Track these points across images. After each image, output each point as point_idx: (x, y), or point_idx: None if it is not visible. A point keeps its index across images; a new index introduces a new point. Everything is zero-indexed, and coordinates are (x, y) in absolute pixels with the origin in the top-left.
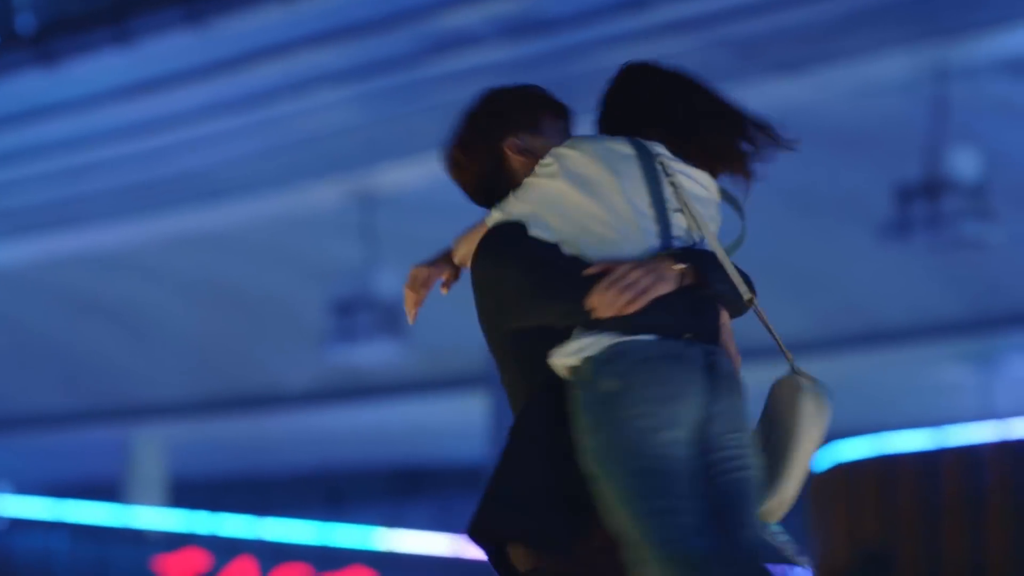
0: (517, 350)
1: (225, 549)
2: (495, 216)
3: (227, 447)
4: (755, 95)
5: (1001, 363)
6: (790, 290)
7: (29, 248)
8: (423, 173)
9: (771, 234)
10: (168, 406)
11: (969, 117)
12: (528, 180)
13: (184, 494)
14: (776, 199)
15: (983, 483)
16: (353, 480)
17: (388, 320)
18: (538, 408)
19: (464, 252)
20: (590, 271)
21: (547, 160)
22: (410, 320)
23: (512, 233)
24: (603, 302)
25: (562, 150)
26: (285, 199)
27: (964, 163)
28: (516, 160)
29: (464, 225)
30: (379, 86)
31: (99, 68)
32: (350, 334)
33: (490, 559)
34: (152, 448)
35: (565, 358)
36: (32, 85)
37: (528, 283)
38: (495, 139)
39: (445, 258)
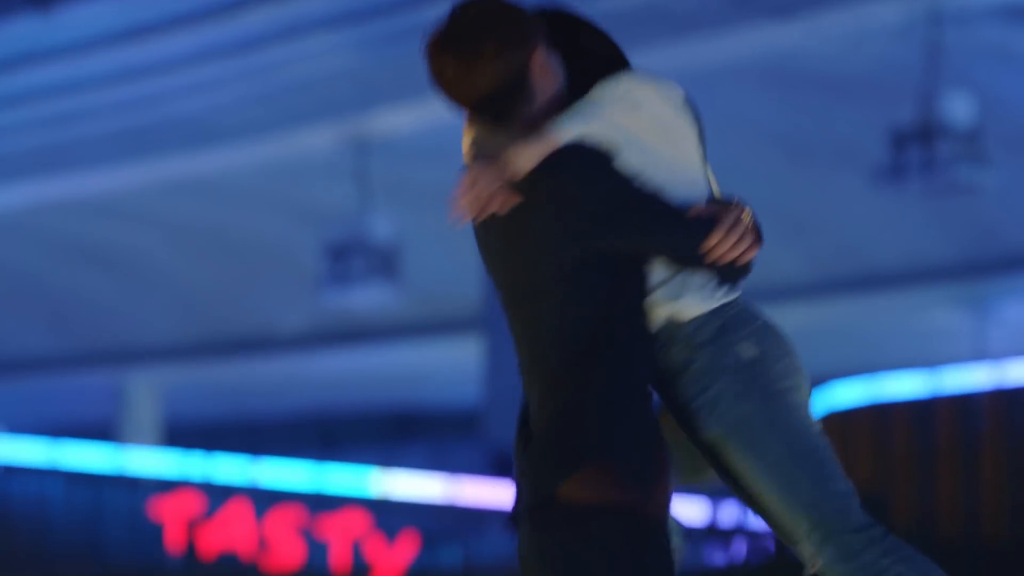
0: (577, 279)
1: (220, 491)
2: (568, 133)
3: (221, 391)
4: (749, 40)
5: (994, 307)
6: (784, 235)
7: (21, 193)
8: (417, 117)
9: (765, 179)
10: (162, 350)
11: (963, 62)
12: (601, 105)
13: (178, 438)
14: (770, 144)
15: (977, 429)
16: (347, 424)
17: (382, 264)
18: (626, 350)
19: (525, 166)
20: (698, 211)
21: (620, 90)
22: (463, 223)
23: (599, 154)
24: (723, 247)
25: (637, 83)
26: (279, 144)
27: (958, 108)
28: (540, 76)
29: (456, 171)
30: (373, 31)
31: (92, 13)
32: (344, 278)
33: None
34: (146, 392)
35: (684, 307)
36: (25, 30)
37: (631, 207)
38: (526, 49)
39: (501, 167)
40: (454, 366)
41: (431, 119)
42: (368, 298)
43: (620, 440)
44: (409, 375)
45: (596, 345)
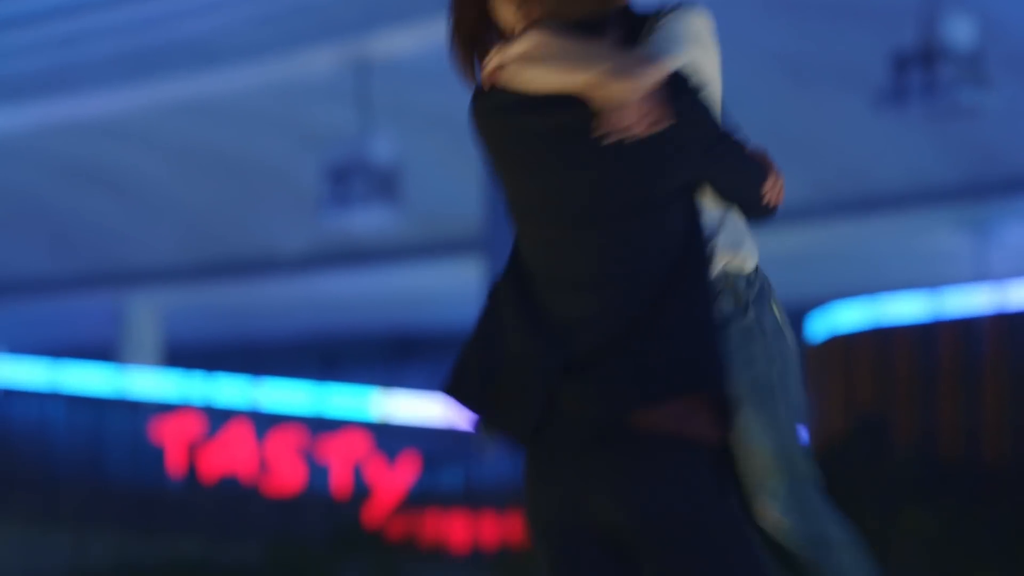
0: (676, 203)
1: (220, 414)
2: (674, 61)
3: (221, 313)
4: None
5: (995, 229)
6: (786, 157)
7: (24, 114)
8: (418, 39)
9: (767, 102)
10: (163, 272)
11: None
12: (686, 39)
13: (179, 360)
14: (772, 67)
15: (978, 352)
16: (348, 346)
17: (383, 186)
18: (710, 282)
19: (646, 87)
20: (755, 153)
21: (694, 28)
22: (624, 138)
23: (700, 85)
24: (773, 193)
25: (703, 21)
26: (280, 66)
27: (960, 30)
28: None
29: (457, 93)
30: None
31: None
32: (344, 200)
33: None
34: (146, 314)
35: (746, 259)
36: None
37: (725, 142)
38: None
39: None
40: (455, 288)
41: (432, 41)
42: (369, 220)
43: (720, 372)
44: (410, 297)
45: (688, 272)
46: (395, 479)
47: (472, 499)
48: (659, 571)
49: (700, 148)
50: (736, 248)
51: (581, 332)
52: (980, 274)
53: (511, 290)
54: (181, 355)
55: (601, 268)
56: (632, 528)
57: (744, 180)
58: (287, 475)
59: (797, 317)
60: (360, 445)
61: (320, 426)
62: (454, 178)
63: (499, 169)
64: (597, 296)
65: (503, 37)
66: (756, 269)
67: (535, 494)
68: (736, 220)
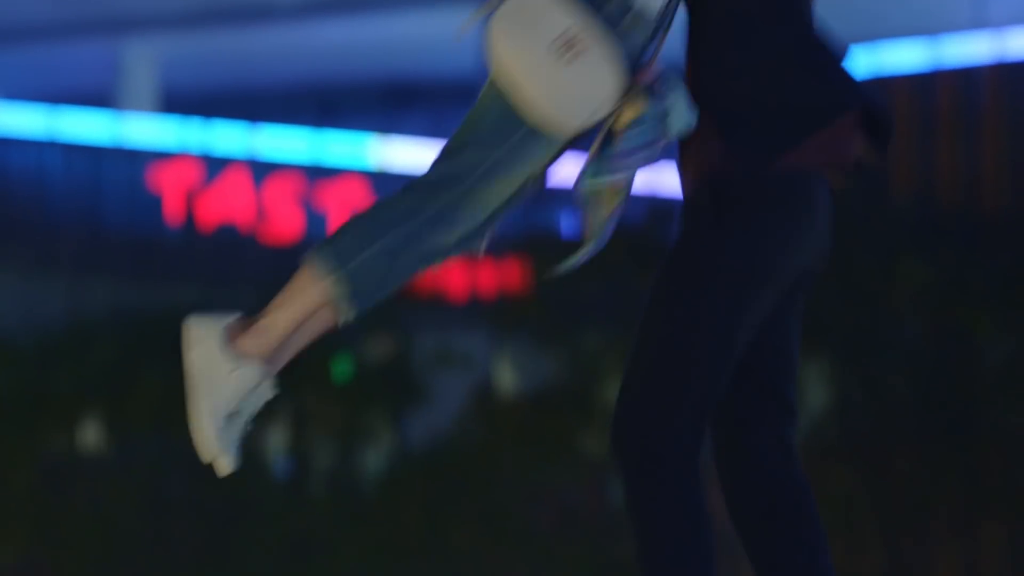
0: None
1: (218, 160)
2: None
3: (219, 60)
4: None
5: None
6: None
7: None
8: None
9: None
10: (159, 18)
11: None
12: None
13: (176, 107)
14: None
15: (978, 101)
16: (345, 94)
17: None
18: None
19: None
20: None
21: None
22: None
23: None
24: None
25: None
26: None
27: None
28: None
29: None
30: None
31: None
32: None
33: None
34: (144, 61)
35: None
36: None
37: None
38: None
39: None
40: (453, 35)
41: None
42: None
43: None
44: (408, 45)
45: None
46: None
47: None
48: (791, 310)
49: None
50: None
51: None
52: (979, 22)
53: (810, 34)
54: (178, 102)
55: None
56: (807, 273)
57: None
58: (285, 222)
59: None
60: (358, 193)
61: (318, 174)
62: None
63: None
64: None
65: None
66: None
67: (809, 234)
68: None
